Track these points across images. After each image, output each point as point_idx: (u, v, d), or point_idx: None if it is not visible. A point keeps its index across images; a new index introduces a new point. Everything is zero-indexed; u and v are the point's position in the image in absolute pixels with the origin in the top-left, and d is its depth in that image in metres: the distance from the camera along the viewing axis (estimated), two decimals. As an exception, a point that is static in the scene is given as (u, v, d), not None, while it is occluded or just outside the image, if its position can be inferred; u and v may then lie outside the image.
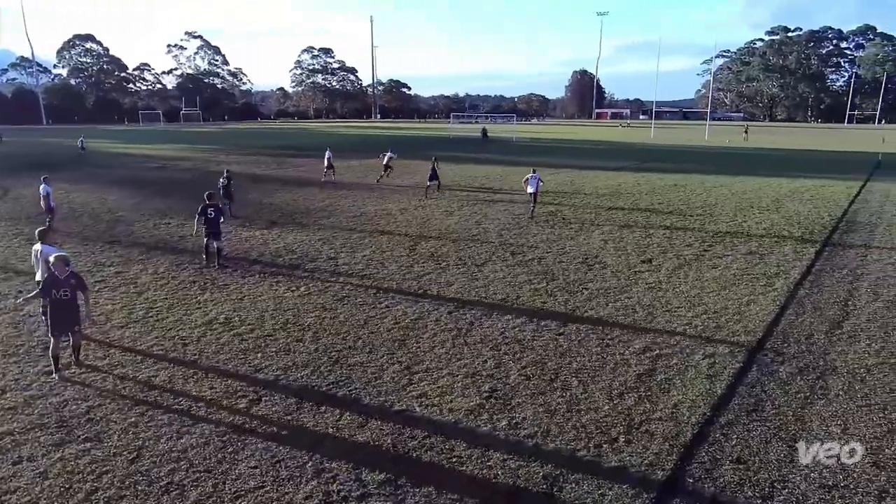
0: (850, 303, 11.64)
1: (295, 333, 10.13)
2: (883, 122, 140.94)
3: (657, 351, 9.42)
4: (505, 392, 8.12)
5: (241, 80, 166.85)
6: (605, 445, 6.92)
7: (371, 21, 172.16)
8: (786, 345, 9.69)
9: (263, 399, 7.94)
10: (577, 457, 6.70)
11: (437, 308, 11.34)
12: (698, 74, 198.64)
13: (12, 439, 7.00)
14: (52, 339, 8.45)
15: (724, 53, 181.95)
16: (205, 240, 14.31)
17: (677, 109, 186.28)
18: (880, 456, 6.73)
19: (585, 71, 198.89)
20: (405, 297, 11.96)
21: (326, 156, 31.03)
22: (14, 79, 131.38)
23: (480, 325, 10.48)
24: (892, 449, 6.84)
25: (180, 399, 7.93)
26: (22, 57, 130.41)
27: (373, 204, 23.14)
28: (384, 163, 30.05)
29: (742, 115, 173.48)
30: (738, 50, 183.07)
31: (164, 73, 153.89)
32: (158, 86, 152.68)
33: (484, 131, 67.36)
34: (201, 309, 11.30)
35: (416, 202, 23.47)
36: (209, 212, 13.93)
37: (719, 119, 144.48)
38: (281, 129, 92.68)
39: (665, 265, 14.33)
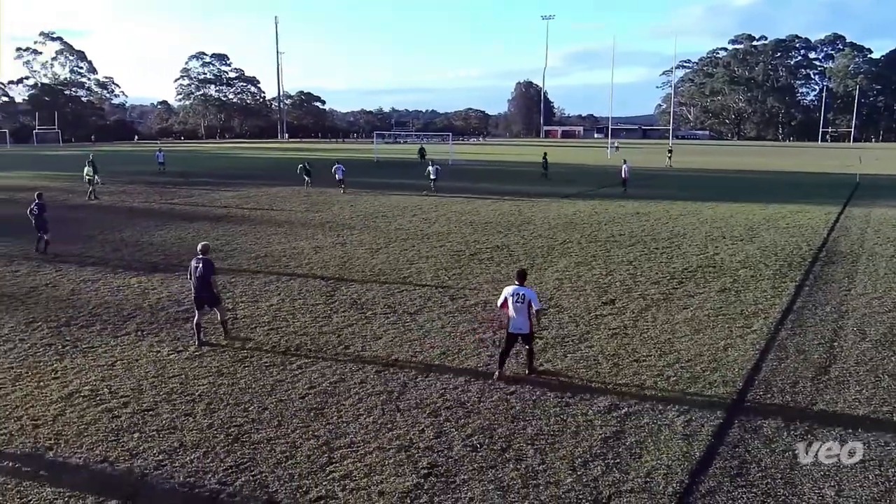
0: (836, 344, 12.33)
1: (182, 406, 9.73)
2: (859, 140, 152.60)
3: (625, 409, 9.61)
4: (447, 467, 8.03)
5: (113, 91, 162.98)
6: (568, 527, 6.92)
7: (276, 22, 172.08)
8: (769, 395, 10.11)
9: (141, 492, 7.55)
10: (536, 543, 6.67)
11: (361, 367, 11.19)
12: (658, 87, 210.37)
13: None
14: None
15: (685, 64, 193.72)
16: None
17: (636, 126, 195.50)
18: (879, 520, 7.04)
19: (531, 83, 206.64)
20: (322, 355, 11.75)
21: (336, 169, 38.84)
22: None
23: (416, 387, 10.40)
24: (892, 511, 7.18)
25: (30, 498, 7.40)
26: None
27: (280, 242, 22.83)
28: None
29: (708, 132, 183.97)
30: (701, 60, 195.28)
31: (10, 83, 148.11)
32: (4, 99, 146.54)
33: (421, 152, 68.22)
34: (59, 379, 10.70)
35: (334, 238, 23.34)
36: None
37: (683, 137, 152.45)
38: (165, 151, 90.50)
39: (630, 306, 14.77)
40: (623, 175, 38.86)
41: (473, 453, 8.37)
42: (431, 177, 38.34)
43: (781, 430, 8.96)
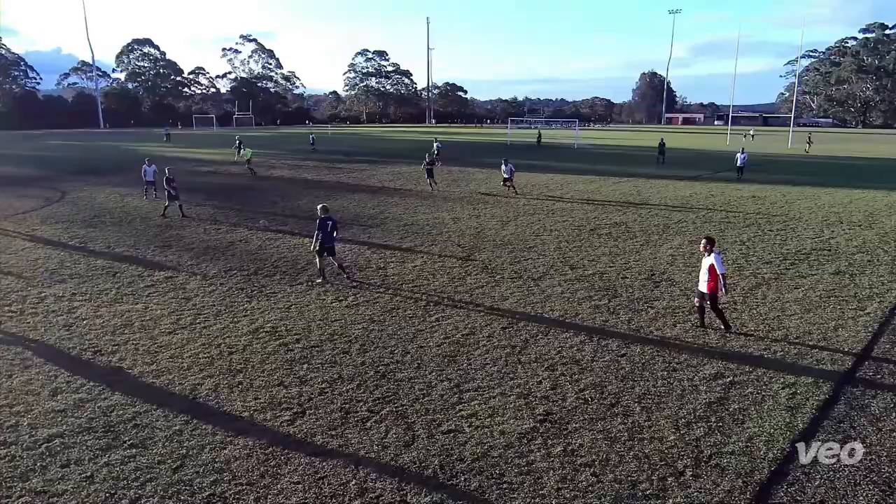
0: (956, 331, 10.89)
1: (341, 345, 10.29)
2: None
3: (730, 378, 9.06)
4: (561, 416, 7.98)
5: (294, 83, 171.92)
6: (670, 479, 6.69)
7: (427, 22, 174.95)
8: (879, 376, 9.14)
9: (308, 412, 8.08)
10: (638, 490, 6.51)
11: (489, 323, 11.29)
12: (781, 76, 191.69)
13: (62, 442, 7.37)
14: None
15: (811, 53, 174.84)
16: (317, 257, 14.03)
17: (756, 114, 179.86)
18: None
19: (655, 73, 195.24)
20: (456, 311, 11.97)
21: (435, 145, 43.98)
22: (75, 83, 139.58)
23: (536, 343, 10.37)
24: None
25: (225, 409, 8.17)
26: (83, 61, 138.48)
27: (424, 212, 23.34)
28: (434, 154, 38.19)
29: (831, 120, 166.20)
30: (828, 50, 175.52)
31: (218, 76, 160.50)
32: (212, 90, 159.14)
33: (539, 137, 66.96)
34: (248, 317, 11.64)
35: (470, 211, 23.52)
36: (326, 225, 13.61)
37: (805, 124, 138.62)
38: (334, 133, 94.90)
39: (740, 284, 13.81)
40: (739, 163, 35.29)
41: (585, 405, 8.26)
42: (504, 175, 27.77)
43: (890, 410, 8.10)
